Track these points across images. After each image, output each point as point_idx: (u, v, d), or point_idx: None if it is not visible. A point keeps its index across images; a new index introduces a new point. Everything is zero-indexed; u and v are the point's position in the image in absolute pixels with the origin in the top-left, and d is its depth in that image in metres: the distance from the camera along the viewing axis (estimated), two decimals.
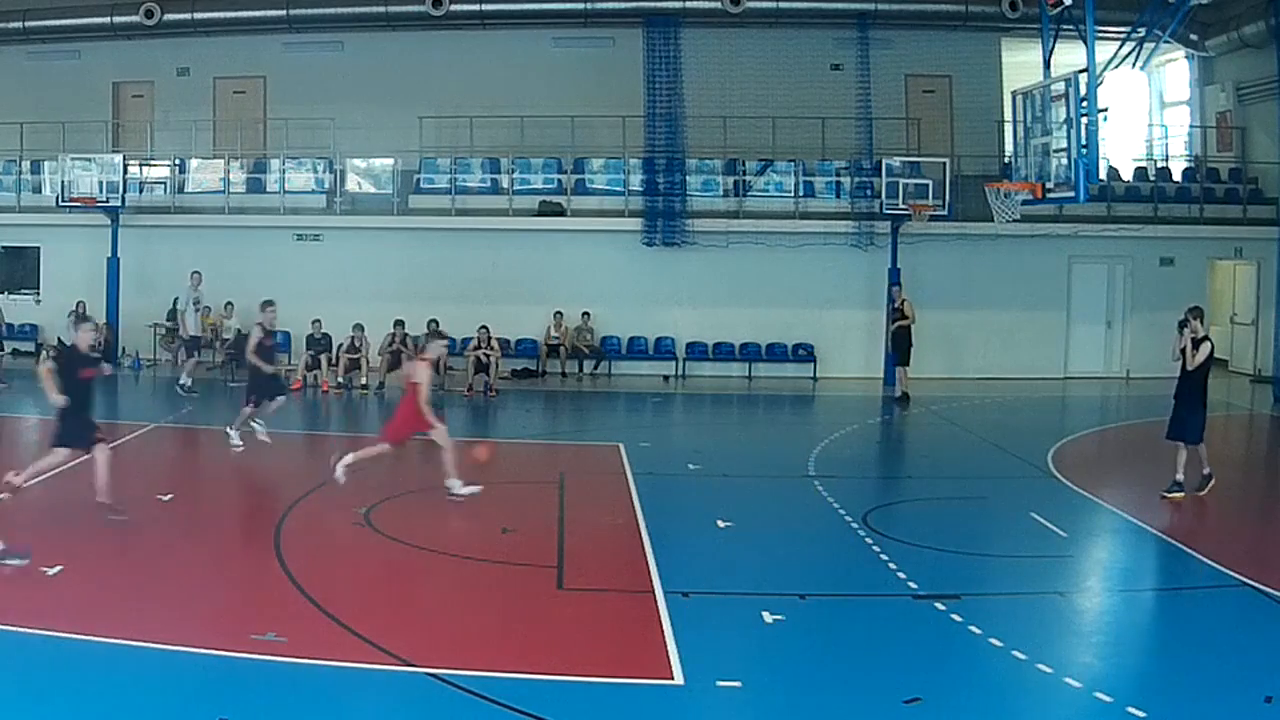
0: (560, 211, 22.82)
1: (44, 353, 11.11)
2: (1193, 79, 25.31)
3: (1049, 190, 15.66)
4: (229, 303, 22.08)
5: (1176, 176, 24.18)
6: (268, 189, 23.61)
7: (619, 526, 10.87)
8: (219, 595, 8.64)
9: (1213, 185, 23.61)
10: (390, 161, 23.80)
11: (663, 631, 7.92)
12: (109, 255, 22.45)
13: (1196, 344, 12.27)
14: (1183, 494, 12.26)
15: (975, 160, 22.66)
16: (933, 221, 21.70)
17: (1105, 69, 15.06)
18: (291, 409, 18.40)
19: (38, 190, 23.56)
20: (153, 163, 24.03)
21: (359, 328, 20.11)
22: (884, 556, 9.96)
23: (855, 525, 11.07)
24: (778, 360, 22.97)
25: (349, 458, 11.63)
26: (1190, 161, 24.66)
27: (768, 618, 8.26)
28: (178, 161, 23.72)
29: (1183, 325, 12.42)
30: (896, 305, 20.53)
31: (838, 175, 23.47)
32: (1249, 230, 22.63)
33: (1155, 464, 14.31)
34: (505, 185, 23.29)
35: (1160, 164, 24.51)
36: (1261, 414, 19.58)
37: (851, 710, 6.91)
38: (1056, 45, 16.32)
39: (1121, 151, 23.99)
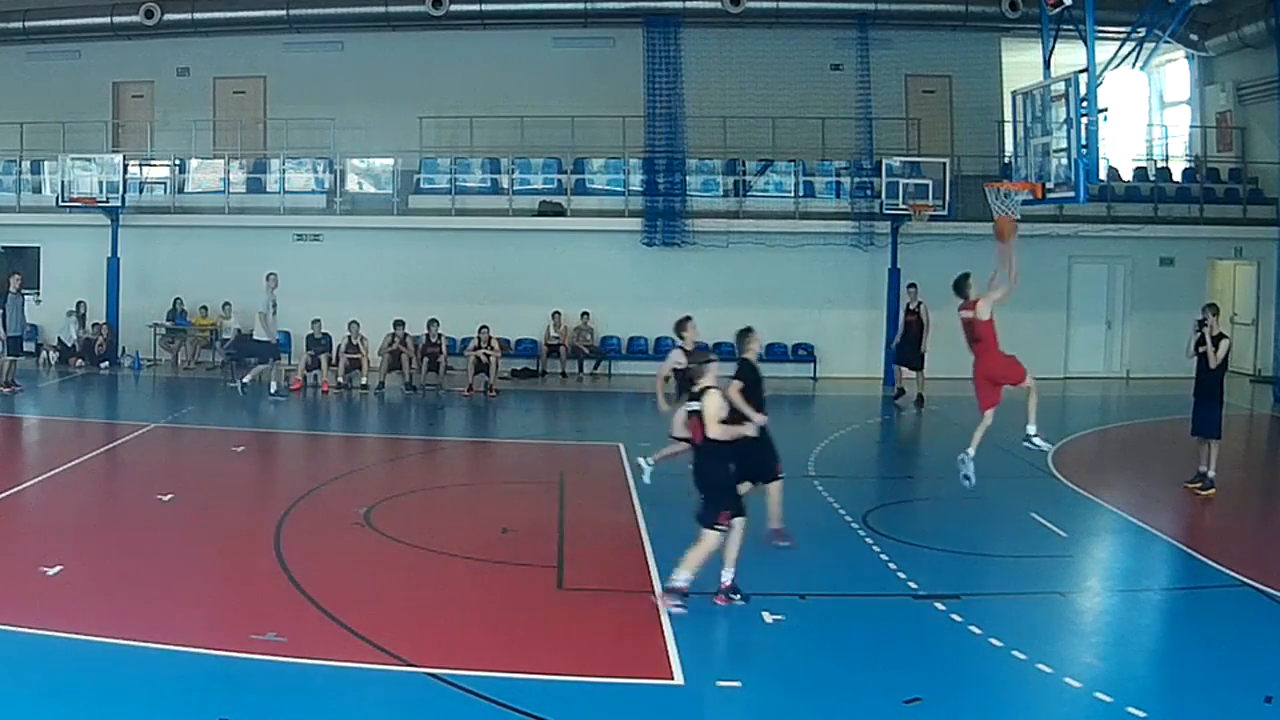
0: (560, 211, 22.81)
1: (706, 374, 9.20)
2: (1193, 79, 25.29)
3: (1049, 190, 15.61)
4: (227, 303, 22.10)
5: (1176, 176, 24.16)
6: (268, 189, 23.59)
7: (619, 526, 10.87)
8: (219, 595, 8.64)
9: (1213, 185, 23.59)
10: (390, 161, 23.78)
11: (663, 631, 7.91)
12: (109, 255, 22.43)
13: (1215, 340, 12.43)
14: (1200, 484, 12.49)
15: (975, 160, 22.63)
16: (933, 221, 21.67)
17: (1105, 69, 15.03)
18: (292, 409, 18.44)
19: (38, 190, 23.54)
20: (153, 163, 24.01)
21: (354, 324, 20.10)
22: (884, 556, 9.96)
23: (855, 525, 11.07)
24: (778, 360, 22.89)
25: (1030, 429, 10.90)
26: (1190, 161, 24.64)
27: (768, 618, 8.26)
28: (178, 161, 23.71)
29: (1201, 324, 12.57)
30: (912, 308, 20.24)
31: (838, 175, 23.45)
32: (1249, 230, 22.61)
33: (1156, 464, 14.37)
34: (505, 185, 23.28)
35: (1160, 164, 24.48)
36: (1261, 414, 19.58)
37: (851, 710, 6.91)
38: (1056, 45, 16.27)
39: (1121, 151, 23.96)
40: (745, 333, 10.24)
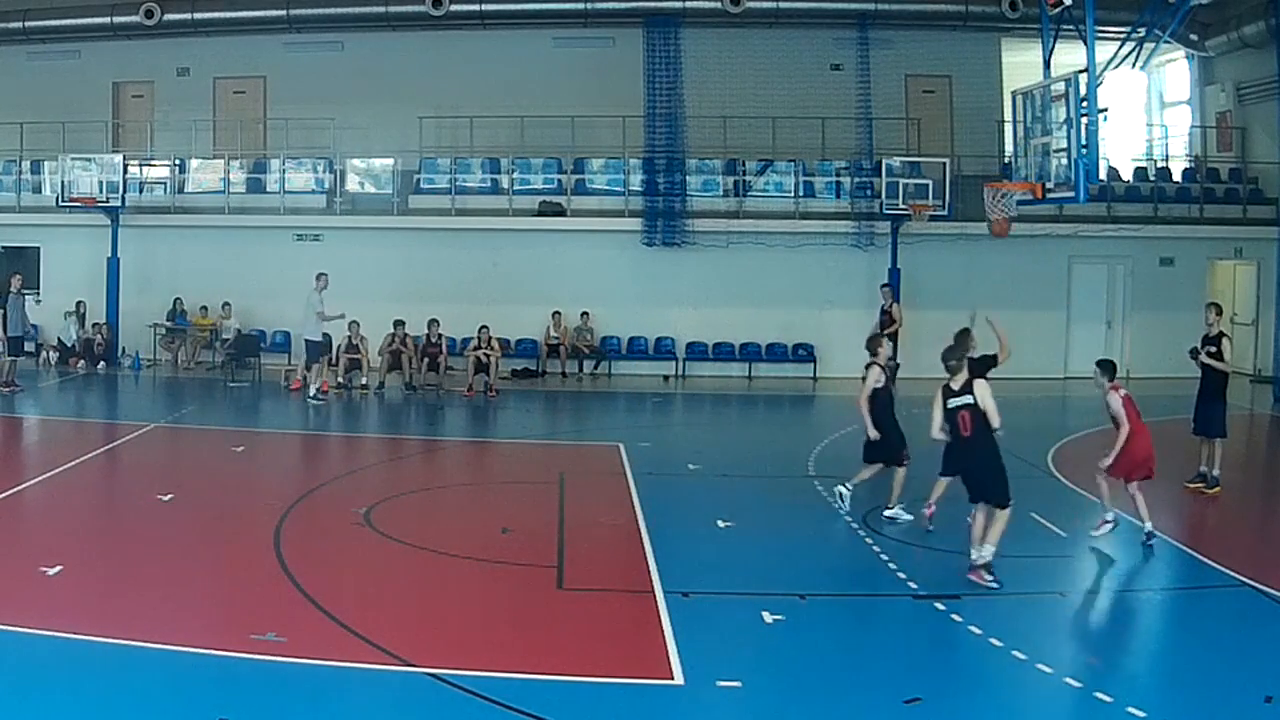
0: (560, 211, 22.81)
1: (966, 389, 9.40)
2: (1193, 79, 25.29)
3: (1049, 190, 15.66)
4: (226, 303, 22.10)
5: (1176, 176, 24.15)
6: (268, 189, 23.58)
7: (619, 526, 10.87)
8: (219, 595, 8.63)
9: (1213, 185, 23.59)
10: (390, 161, 23.78)
11: (663, 631, 7.91)
12: (109, 255, 22.42)
13: (1217, 340, 12.54)
14: (1204, 484, 12.56)
15: (975, 160, 22.63)
16: (933, 221, 21.67)
17: (1105, 69, 15.06)
18: (292, 409, 18.45)
19: (38, 190, 23.53)
20: (153, 163, 23.99)
21: (354, 324, 20.09)
22: (884, 556, 9.96)
23: (855, 525, 11.08)
24: (778, 360, 22.95)
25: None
26: (1190, 161, 24.63)
27: (768, 618, 8.25)
28: (178, 161, 23.71)
29: (1195, 352, 12.72)
30: (885, 308, 20.37)
31: (838, 175, 23.45)
32: (1249, 230, 22.61)
33: (1156, 464, 14.32)
34: (505, 185, 23.27)
35: (1160, 164, 24.47)
36: (1261, 414, 19.58)
37: (851, 710, 6.91)
38: (1056, 45, 16.31)
39: (1121, 151, 23.97)
40: (964, 333, 11.07)
